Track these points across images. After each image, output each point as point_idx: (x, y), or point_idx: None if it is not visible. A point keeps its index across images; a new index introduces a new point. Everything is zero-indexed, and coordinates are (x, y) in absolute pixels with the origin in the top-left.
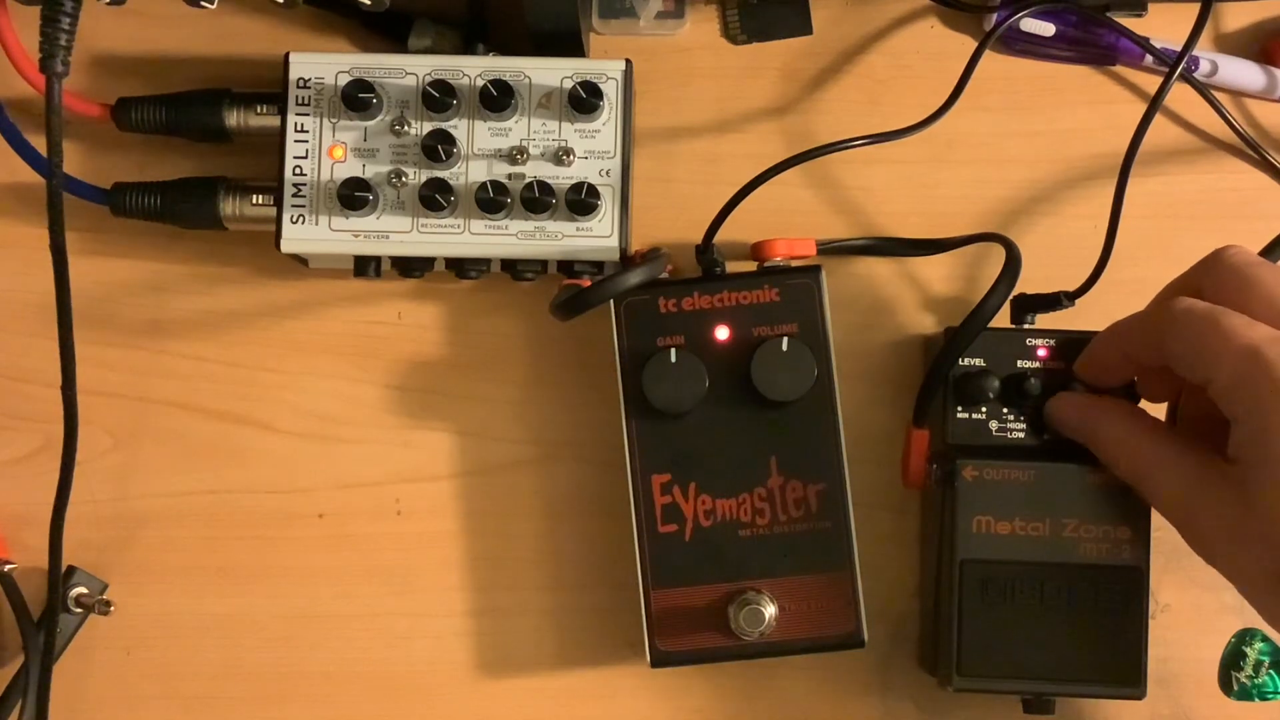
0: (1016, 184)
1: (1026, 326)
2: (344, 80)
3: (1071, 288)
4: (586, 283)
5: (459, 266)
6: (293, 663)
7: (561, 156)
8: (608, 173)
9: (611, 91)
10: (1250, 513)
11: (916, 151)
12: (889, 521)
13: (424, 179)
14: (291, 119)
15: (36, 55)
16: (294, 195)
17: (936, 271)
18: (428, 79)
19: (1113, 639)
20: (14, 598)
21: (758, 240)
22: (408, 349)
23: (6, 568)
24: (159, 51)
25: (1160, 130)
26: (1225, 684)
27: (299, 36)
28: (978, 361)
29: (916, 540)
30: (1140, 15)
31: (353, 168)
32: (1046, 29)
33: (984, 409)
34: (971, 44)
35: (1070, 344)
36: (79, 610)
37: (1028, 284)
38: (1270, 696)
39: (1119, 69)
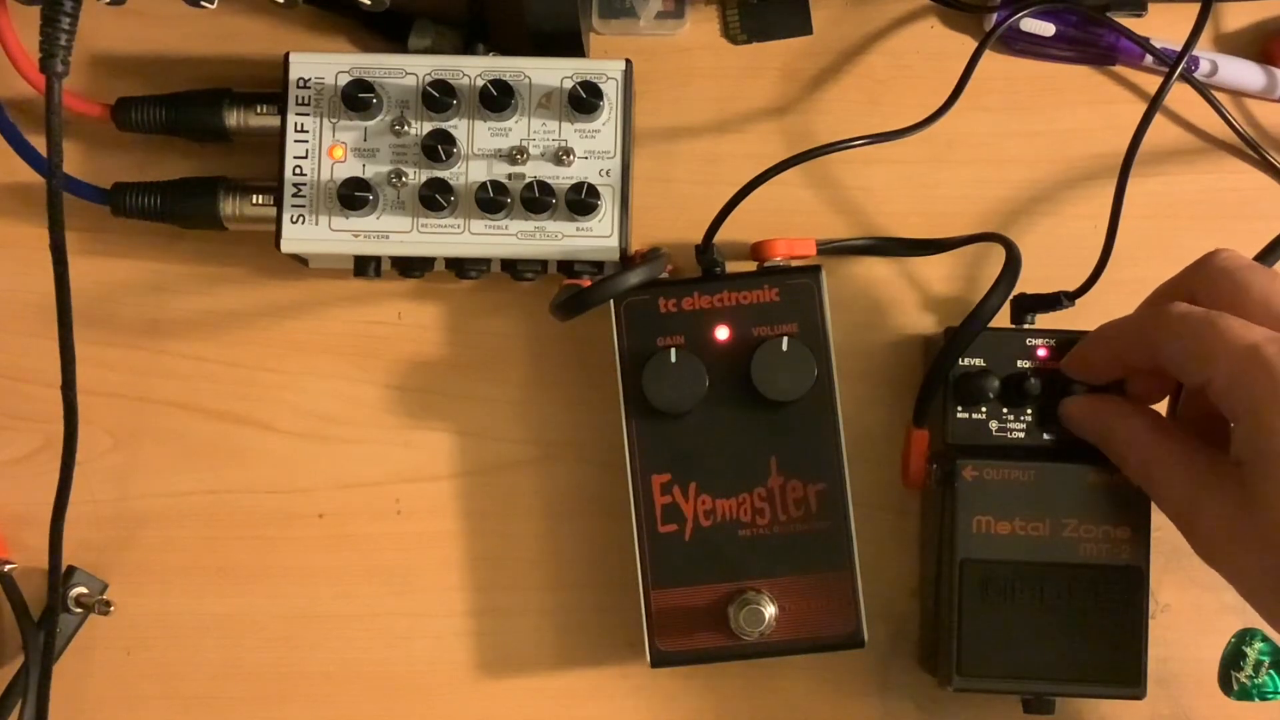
0: (1016, 184)
1: (1026, 326)
2: (344, 80)
3: (1071, 288)
4: (586, 283)
5: (459, 266)
6: (293, 663)
7: (561, 156)
8: (608, 173)
9: (611, 91)
10: (1250, 512)
11: (916, 151)
12: (889, 521)
13: (424, 179)
14: (291, 119)
15: (36, 55)
16: (294, 195)
17: (936, 271)
18: (428, 79)
19: (1113, 639)
20: (14, 598)
21: (758, 240)
22: (408, 349)
23: (6, 568)
24: (159, 51)
25: (1160, 130)
26: (1225, 684)
27: (299, 36)
28: (978, 361)
29: (916, 540)
30: (1140, 15)
31: (353, 168)
32: (1046, 29)
33: (984, 409)
34: (971, 44)
35: (1070, 344)
36: (79, 610)
37: (1028, 284)
38: (1270, 696)
39: (1119, 69)
